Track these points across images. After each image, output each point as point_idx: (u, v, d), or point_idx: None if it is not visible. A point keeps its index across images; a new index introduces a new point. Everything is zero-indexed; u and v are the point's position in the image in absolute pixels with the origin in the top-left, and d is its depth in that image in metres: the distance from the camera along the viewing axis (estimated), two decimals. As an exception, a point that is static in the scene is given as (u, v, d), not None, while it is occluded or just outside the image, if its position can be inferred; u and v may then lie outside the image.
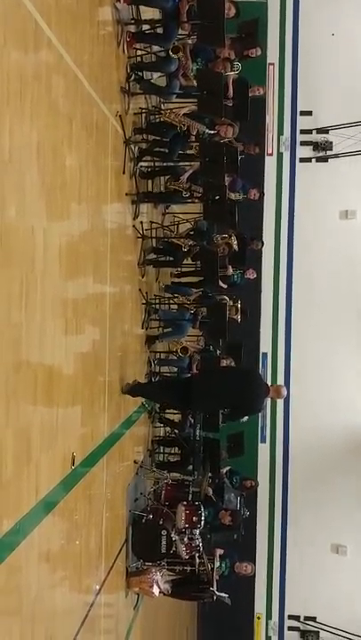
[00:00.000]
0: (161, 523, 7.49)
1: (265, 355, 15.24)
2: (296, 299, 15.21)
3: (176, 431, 9.87)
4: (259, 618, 15.21)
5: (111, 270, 6.50)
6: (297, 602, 15.08)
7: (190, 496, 8.05)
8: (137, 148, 7.81)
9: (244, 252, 10.03)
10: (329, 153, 15.03)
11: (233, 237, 9.51)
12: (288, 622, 15.21)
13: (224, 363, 9.16)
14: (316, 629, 14.97)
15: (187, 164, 8.60)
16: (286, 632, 15.23)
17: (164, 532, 7.42)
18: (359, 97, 14.60)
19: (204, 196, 8.24)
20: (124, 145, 7.12)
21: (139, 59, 7.48)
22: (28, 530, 4.14)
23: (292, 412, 15.01)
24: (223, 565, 8.24)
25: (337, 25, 14.82)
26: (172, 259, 9.27)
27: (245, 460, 11.17)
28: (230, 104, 8.11)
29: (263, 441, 15.17)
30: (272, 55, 14.88)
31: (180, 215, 10.17)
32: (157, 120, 8.14)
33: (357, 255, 14.96)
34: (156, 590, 7.56)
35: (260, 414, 14.11)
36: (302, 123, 15.16)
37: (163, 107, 8.43)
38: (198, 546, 7.53)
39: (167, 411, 9.72)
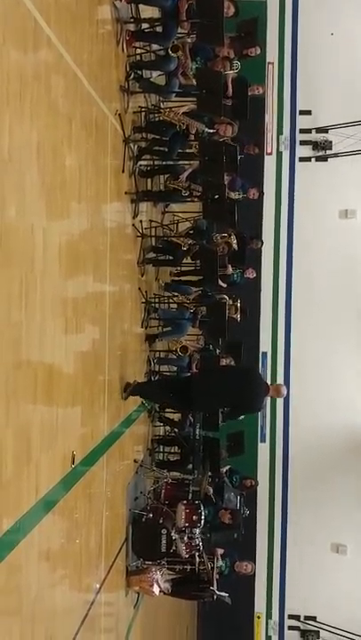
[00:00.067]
0: (161, 522, 7.49)
1: (265, 354, 15.25)
2: (296, 298, 15.22)
3: (176, 430, 9.87)
4: (259, 617, 15.22)
5: (111, 269, 6.50)
6: (297, 601, 15.09)
7: (190, 495, 8.05)
8: (136, 146, 7.81)
9: (244, 251, 10.03)
10: (328, 152, 15.03)
11: (232, 236, 9.52)
12: (288, 622, 15.22)
13: (224, 362, 9.16)
14: (316, 629, 14.97)
15: (186, 162, 8.60)
16: (286, 631, 15.23)
17: (164, 531, 7.42)
18: (359, 96, 14.60)
19: (203, 195, 8.24)
20: (123, 144, 7.12)
21: (138, 57, 7.47)
22: (28, 529, 4.14)
23: (291, 412, 15.01)
24: (223, 564, 8.24)
25: (336, 24, 14.82)
26: (171, 258, 9.27)
27: (245, 460, 11.17)
28: (230, 103, 8.11)
29: (263, 440, 15.17)
30: (271, 54, 14.88)
31: (180, 214, 10.17)
32: (157, 119, 8.14)
33: (357, 254, 14.96)
34: (156, 589, 7.56)
35: (260, 413, 14.12)
36: (302, 122, 15.16)
37: (162, 105, 8.43)
38: (198, 545, 7.53)
39: (167, 410, 9.72)
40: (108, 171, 6.43)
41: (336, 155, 14.90)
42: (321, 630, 14.91)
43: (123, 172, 7.13)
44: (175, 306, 9.65)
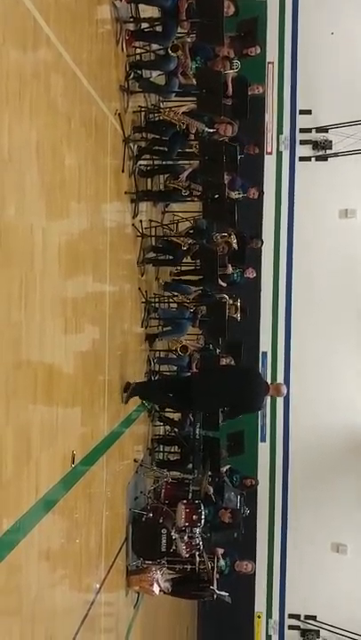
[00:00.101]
0: (161, 521, 7.49)
1: (265, 354, 15.24)
2: (296, 297, 15.21)
3: (176, 430, 9.87)
4: (259, 617, 15.22)
5: (111, 269, 6.50)
6: (297, 601, 15.09)
7: (190, 495, 8.05)
8: (136, 146, 7.80)
9: (244, 250, 10.03)
10: (328, 152, 15.02)
11: (232, 236, 9.51)
12: (288, 621, 15.22)
13: (224, 361, 9.15)
14: (316, 628, 14.97)
15: (186, 162, 8.60)
16: (286, 631, 15.23)
17: (164, 531, 7.41)
18: (359, 96, 14.59)
19: (203, 195, 8.23)
20: (123, 143, 7.12)
21: (138, 57, 7.47)
22: (27, 528, 4.14)
23: (291, 411, 15.01)
24: (224, 564, 8.25)
25: (336, 24, 14.80)
26: (171, 257, 9.27)
27: (245, 459, 11.17)
28: (229, 102, 8.10)
29: (263, 440, 15.17)
30: (271, 54, 14.86)
31: (180, 214, 10.17)
32: (157, 118, 8.13)
33: (357, 254, 14.95)
34: (156, 589, 7.56)
35: (260, 413, 14.12)
36: (302, 121, 15.14)
37: (162, 105, 8.43)
38: (198, 544, 7.53)
39: (167, 409, 9.72)
40: (108, 170, 6.42)
41: (336, 154, 14.89)
42: (321, 630, 14.91)
43: (122, 171, 7.12)
44: (175, 305, 9.65)
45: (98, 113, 5.94)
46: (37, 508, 4.29)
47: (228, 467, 9.75)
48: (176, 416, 9.98)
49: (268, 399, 8.43)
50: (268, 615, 15.24)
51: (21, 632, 4.10)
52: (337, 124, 14.67)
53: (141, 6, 7.21)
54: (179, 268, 9.89)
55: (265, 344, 15.20)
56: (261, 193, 10.98)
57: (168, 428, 10.13)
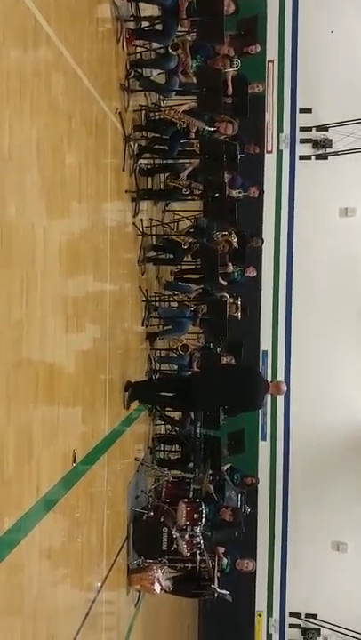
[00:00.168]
0: (162, 520, 7.49)
1: (265, 352, 15.24)
2: (296, 296, 15.22)
3: (177, 429, 9.88)
4: (260, 615, 15.23)
5: (111, 268, 6.49)
6: (298, 599, 15.10)
7: (191, 493, 8.05)
8: (137, 145, 7.80)
9: (244, 249, 10.02)
10: (329, 150, 15.02)
11: (233, 235, 9.49)
12: (289, 620, 15.24)
13: (224, 360, 9.16)
14: (316, 626, 14.99)
15: (186, 161, 8.60)
16: (287, 629, 15.25)
17: (164, 530, 7.42)
18: (359, 94, 14.59)
19: (203, 194, 8.23)
20: (123, 142, 7.11)
21: (138, 56, 7.46)
22: (29, 527, 4.14)
23: (292, 410, 15.02)
24: (226, 562, 8.25)
25: (336, 22, 14.81)
26: (172, 256, 9.27)
27: (246, 458, 11.17)
28: (230, 101, 8.09)
29: (264, 438, 15.18)
30: (271, 52, 14.86)
31: (180, 212, 10.17)
32: (157, 117, 8.13)
33: (357, 253, 14.96)
34: (157, 587, 7.56)
35: (260, 412, 14.13)
36: (302, 120, 15.15)
37: (162, 104, 8.42)
38: (199, 543, 7.53)
39: (168, 408, 9.72)
40: (109, 169, 6.42)
41: (336, 153, 14.89)
42: (322, 628, 14.92)
43: (123, 170, 7.12)
44: (176, 304, 9.65)
45: (98, 112, 5.94)
46: (38, 507, 4.29)
47: (228, 465, 9.75)
48: (177, 415, 9.99)
49: (269, 398, 8.42)
50: (269, 614, 15.26)
51: (23, 631, 4.10)
52: (337, 123, 14.67)
53: (142, 5, 7.20)
54: (179, 266, 9.89)
55: (265, 343, 15.20)
56: (262, 192, 10.98)
57: (169, 426, 10.13)
